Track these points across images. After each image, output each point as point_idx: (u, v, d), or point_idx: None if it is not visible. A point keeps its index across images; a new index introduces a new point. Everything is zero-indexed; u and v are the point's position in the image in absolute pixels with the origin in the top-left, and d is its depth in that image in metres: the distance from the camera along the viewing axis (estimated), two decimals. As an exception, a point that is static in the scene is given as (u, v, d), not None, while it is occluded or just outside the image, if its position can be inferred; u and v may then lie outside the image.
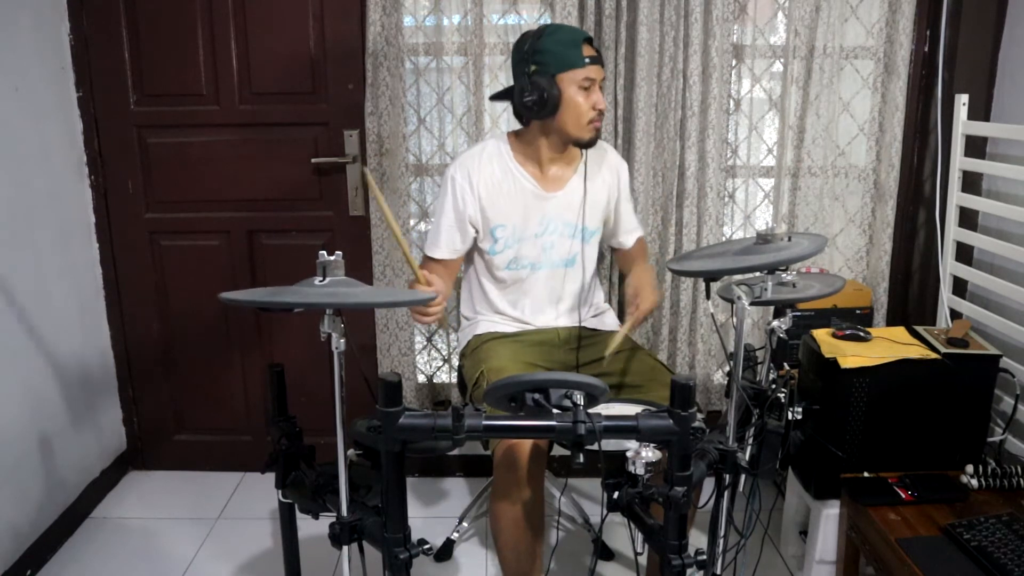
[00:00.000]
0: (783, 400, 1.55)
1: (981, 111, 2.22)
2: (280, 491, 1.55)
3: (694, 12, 2.21)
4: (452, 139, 2.40)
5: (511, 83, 1.87)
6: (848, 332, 1.92)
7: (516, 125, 1.93)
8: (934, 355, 1.84)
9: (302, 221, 2.48)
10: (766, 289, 1.47)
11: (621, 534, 2.29)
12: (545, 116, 1.81)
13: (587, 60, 1.79)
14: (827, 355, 1.84)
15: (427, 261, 1.95)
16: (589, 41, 1.82)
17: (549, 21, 2.27)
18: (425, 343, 2.60)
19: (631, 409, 1.34)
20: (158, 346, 2.59)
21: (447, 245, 1.92)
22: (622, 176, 2.05)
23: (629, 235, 2.12)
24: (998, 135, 2.16)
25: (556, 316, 2.01)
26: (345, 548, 1.36)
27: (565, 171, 1.95)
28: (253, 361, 2.60)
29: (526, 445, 1.66)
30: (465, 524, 2.31)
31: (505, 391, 1.27)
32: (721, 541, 1.55)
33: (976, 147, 2.20)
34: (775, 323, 1.52)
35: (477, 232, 1.93)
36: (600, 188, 1.98)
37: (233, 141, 2.42)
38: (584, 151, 1.91)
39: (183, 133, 2.42)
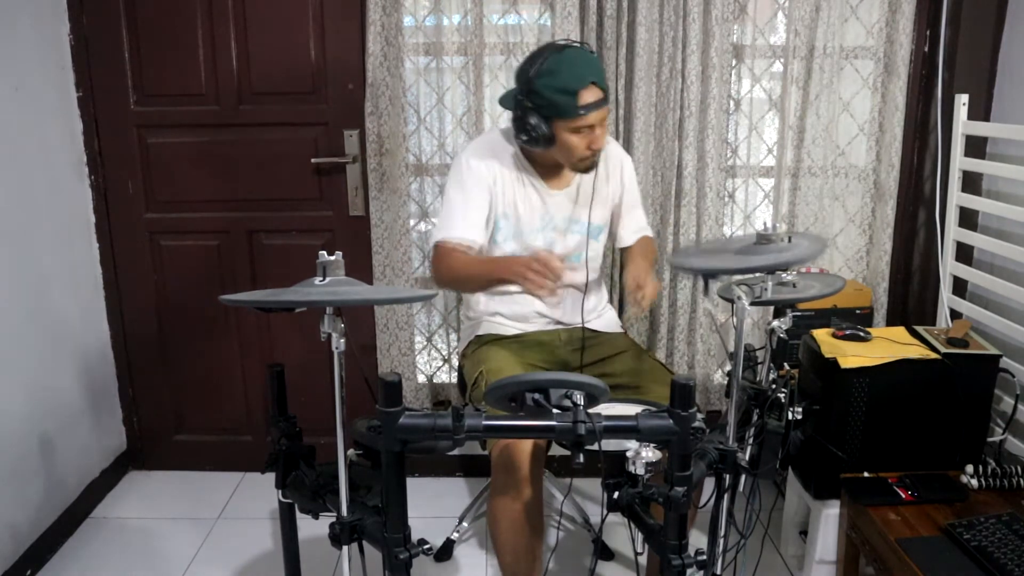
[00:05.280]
0: (783, 400, 1.55)
1: (981, 111, 2.22)
2: (280, 491, 1.55)
3: (692, 12, 2.21)
4: (452, 139, 2.40)
5: (513, 85, 1.83)
6: (848, 332, 1.92)
7: None
8: (934, 355, 1.85)
9: (302, 221, 2.48)
10: (766, 289, 1.47)
11: (621, 534, 2.29)
12: (539, 149, 1.80)
13: (582, 111, 1.70)
14: (827, 355, 1.84)
15: (438, 249, 1.85)
16: (595, 83, 1.70)
17: (549, 22, 2.27)
18: (425, 343, 2.60)
19: (631, 409, 1.33)
20: (158, 346, 2.59)
21: (469, 227, 1.83)
22: (626, 170, 2.03)
23: (633, 233, 2.05)
24: (998, 135, 2.16)
25: (559, 315, 1.99)
26: (345, 548, 1.36)
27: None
28: (253, 361, 2.60)
29: (524, 445, 1.66)
30: (465, 524, 2.31)
31: (505, 391, 1.27)
32: (721, 541, 1.55)
33: (976, 147, 2.20)
34: (775, 323, 1.52)
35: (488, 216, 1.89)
36: (604, 184, 1.97)
37: (233, 141, 2.42)
38: None
39: (183, 133, 2.42)
